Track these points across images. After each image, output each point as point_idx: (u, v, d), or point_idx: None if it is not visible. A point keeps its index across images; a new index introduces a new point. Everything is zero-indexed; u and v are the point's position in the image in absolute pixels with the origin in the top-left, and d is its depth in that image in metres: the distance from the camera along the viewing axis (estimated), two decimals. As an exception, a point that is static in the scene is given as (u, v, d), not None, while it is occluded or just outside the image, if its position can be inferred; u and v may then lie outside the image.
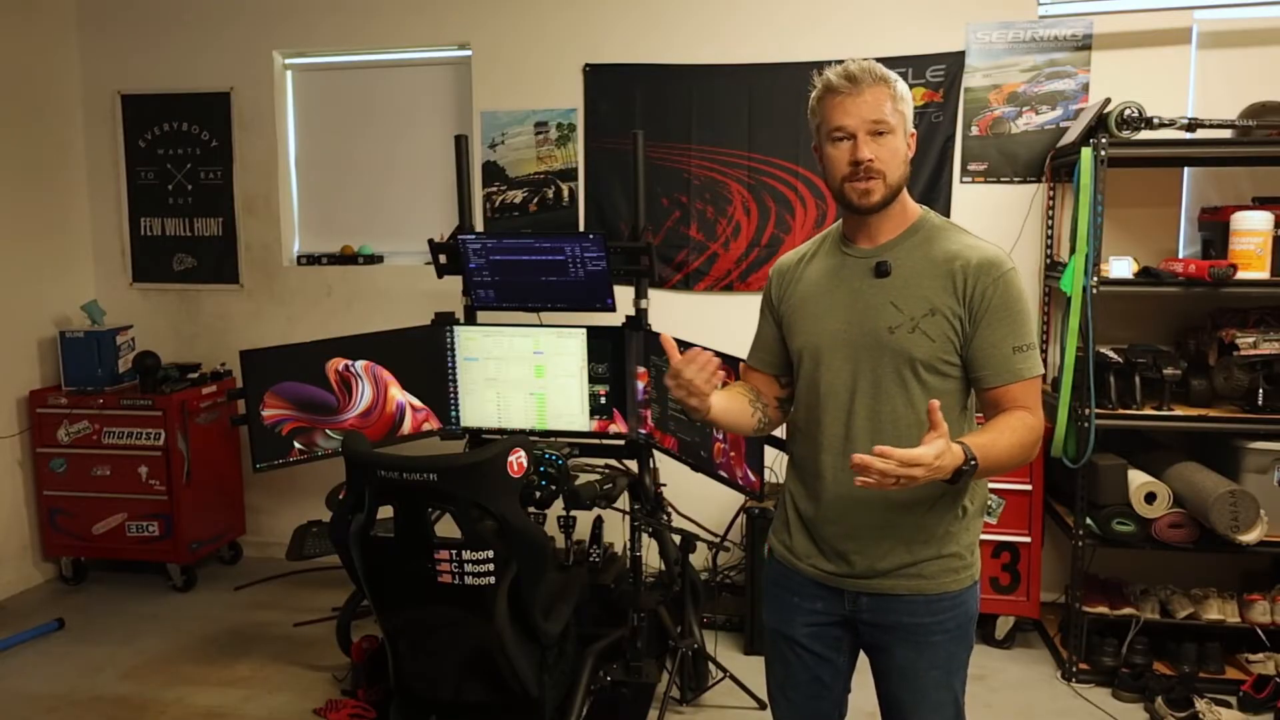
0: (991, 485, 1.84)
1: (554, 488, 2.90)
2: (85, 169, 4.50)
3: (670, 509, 3.31)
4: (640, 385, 3.26)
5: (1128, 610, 3.26)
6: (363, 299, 4.32)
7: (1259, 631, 3.16)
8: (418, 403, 3.44)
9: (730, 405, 1.76)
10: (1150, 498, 3.15)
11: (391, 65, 4.30)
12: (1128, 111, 3.14)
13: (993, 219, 3.63)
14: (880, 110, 1.59)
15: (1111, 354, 3.27)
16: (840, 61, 1.63)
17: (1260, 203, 3.31)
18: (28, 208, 4.21)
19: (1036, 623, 3.62)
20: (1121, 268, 3.21)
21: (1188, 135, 3.21)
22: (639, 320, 3.27)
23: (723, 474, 2.89)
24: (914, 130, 1.67)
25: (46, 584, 4.24)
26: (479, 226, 4.11)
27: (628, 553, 3.23)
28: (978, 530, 1.75)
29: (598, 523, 3.26)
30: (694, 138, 3.94)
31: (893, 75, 1.62)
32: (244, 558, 4.47)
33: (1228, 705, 2.99)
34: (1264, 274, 3.09)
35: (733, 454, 2.83)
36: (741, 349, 2.76)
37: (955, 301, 1.61)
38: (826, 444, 1.70)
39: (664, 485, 3.30)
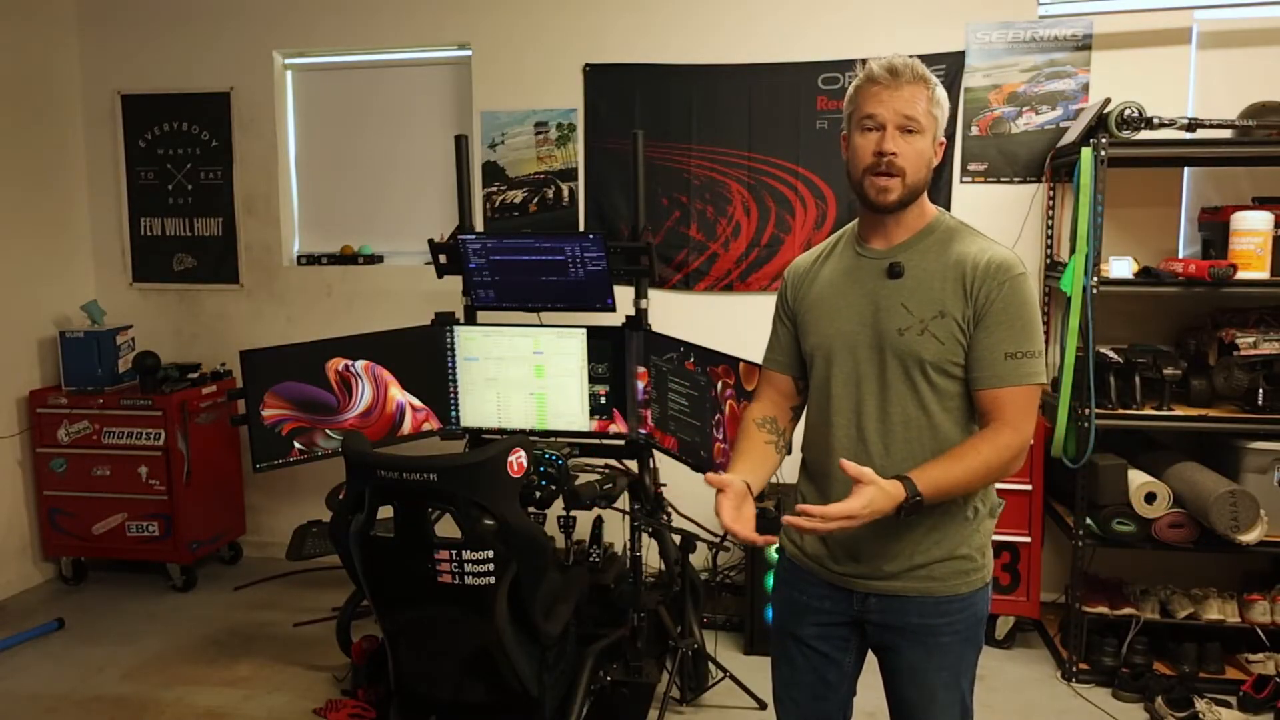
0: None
1: (554, 488, 2.89)
2: (85, 169, 4.50)
3: (670, 509, 3.31)
4: (640, 385, 3.26)
5: (1128, 610, 3.26)
6: (363, 299, 4.32)
7: (1259, 631, 3.16)
8: (418, 403, 3.44)
9: (758, 470, 1.73)
10: (1150, 498, 3.15)
11: (391, 65, 4.30)
12: (1128, 111, 3.14)
13: (993, 219, 3.62)
14: (914, 107, 1.58)
15: (1111, 354, 3.27)
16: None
17: (1260, 203, 3.31)
18: (28, 208, 4.21)
19: (1036, 623, 3.62)
20: (1121, 268, 3.21)
21: (1188, 135, 3.21)
22: (639, 320, 3.27)
23: (723, 474, 2.88)
24: (944, 139, 1.67)
25: (46, 584, 4.24)
26: (479, 226, 4.11)
27: (628, 553, 3.23)
28: (989, 531, 1.74)
29: (598, 523, 3.26)
30: (694, 138, 3.94)
31: (934, 79, 1.62)
32: (244, 558, 4.47)
33: (1228, 705, 2.99)
34: (1264, 274, 3.09)
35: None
36: (741, 349, 2.78)
37: (964, 303, 1.60)
38: (837, 445, 1.69)
39: (664, 485, 3.30)
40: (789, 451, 1.86)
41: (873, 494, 1.47)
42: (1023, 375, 1.59)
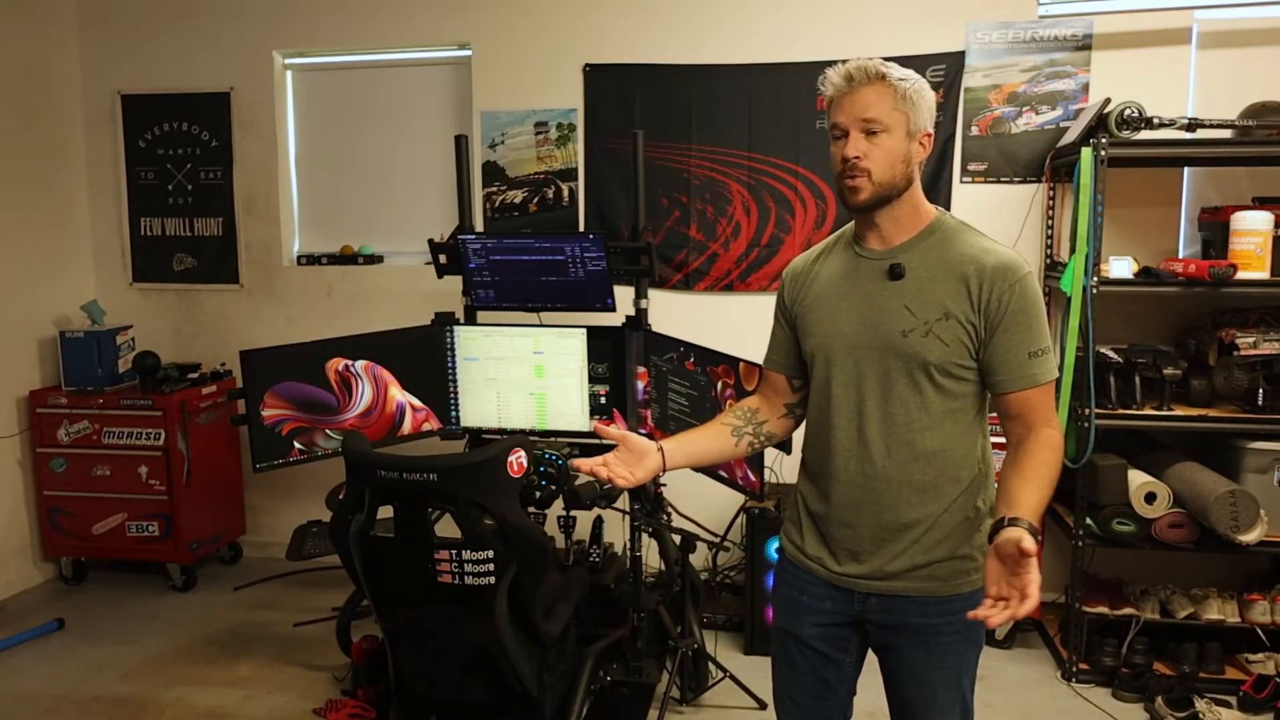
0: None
1: (554, 488, 2.89)
2: (85, 169, 4.50)
3: (670, 509, 3.31)
4: (640, 385, 3.26)
5: (1128, 610, 3.26)
6: (363, 299, 4.32)
7: (1259, 631, 3.16)
8: (418, 403, 3.44)
9: (694, 445, 1.82)
10: (1150, 498, 3.15)
11: (391, 65, 4.30)
12: (1128, 111, 3.14)
13: (993, 219, 3.62)
14: (872, 109, 1.58)
15: (1111, 354, 3.27)
16: (842, 61, 1.64)
17: (1260, 203, 3.31)
18: (28, 208, 4.21)
19: (1036, 623, 3.62)
20: (1121, 268, 3.21)
21: (1188, 135, 3.21)
22: (639, 320, 3.27)
23: (723, 474, 2.89)
24: (930, 131, 1.65)
25: (46, 584, 4.24)
26: (479, 226, 4.11)
27: (628, 553, 3.23)
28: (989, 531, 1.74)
29: (598, 523, 3.26)
30: (694, 138, 3.94)
31: (897, 74, 1.60)
32: (244, 558, 4.47)
33: (1228, 705, 2.99)
34: (1264, 274, 3.09)
35: (733, 454, 2.83)
36: (741, 349, 2.78)
37: (969, 306, 1.60)
38: (838, 446, 1.70)
39: (664, 485, 3.30)
40: (768, 442, 1.87)
41: (1035, 565, 1.41)
42: (1046, 372, 1.63)
